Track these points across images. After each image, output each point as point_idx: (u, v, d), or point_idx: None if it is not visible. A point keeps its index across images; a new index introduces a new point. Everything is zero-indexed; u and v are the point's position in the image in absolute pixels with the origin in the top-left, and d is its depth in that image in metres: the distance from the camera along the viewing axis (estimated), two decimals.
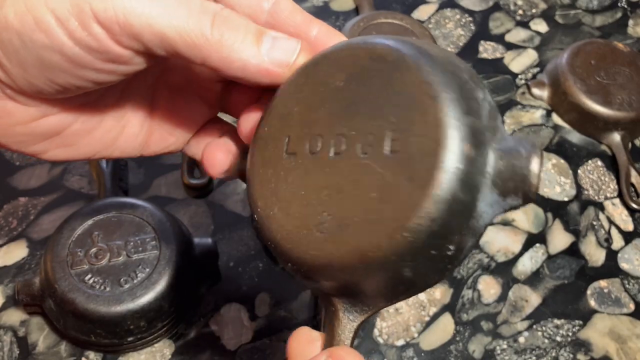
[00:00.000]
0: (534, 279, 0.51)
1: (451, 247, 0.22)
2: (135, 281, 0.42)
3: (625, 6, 0.71)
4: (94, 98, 0.29)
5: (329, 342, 0.25)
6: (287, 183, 0.24)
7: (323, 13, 0.66)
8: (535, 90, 0.62)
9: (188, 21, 0.24)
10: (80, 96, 0.28)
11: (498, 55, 0.64)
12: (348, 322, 0.24)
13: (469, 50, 0.64)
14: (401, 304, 0.48)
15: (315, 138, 0.24)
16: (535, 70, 0.64)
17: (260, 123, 0.26)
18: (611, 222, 0.55)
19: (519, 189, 0.22)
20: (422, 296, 0.49)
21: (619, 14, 0.70)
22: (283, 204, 0.24)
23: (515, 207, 0.22)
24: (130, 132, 0.31)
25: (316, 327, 0.46)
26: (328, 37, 0.27)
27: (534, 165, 0.21)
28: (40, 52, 0.24)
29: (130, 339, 0.43)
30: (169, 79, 0.32)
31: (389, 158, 0.22)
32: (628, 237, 0.54)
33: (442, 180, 0.20)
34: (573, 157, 0.58)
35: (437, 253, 0.22)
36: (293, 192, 0.24)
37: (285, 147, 0.25)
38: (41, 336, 0.45)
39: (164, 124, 0.32)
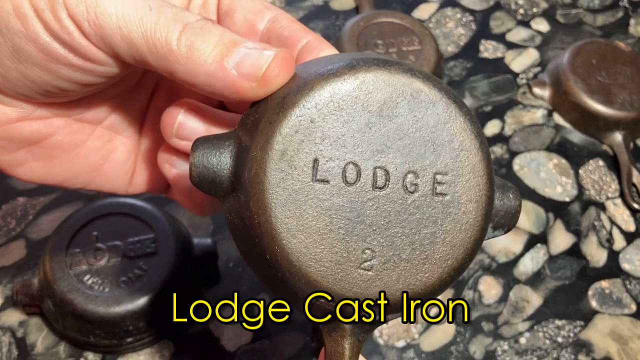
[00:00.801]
0: (535, 280, 0.50)
1: (457, 279, 0.24)
2: (134, 282, 0.42)
3: (627, 5, 0.70)
4: (79, 110, 0.28)
5: None
6: (320, 213, 0.22)
7: (323, 12, 0.66)
8: (536, 90, 0.61)
9: (155, 28, 0.23)
10: (64, 105, 0.27)
11: (499, 54, 0.64)
12: (355, 343, 0.25)
13: (469, 50, 0.64)
14: None
15: (349, 166, 0.23)
16: (536, 69, 0.63)
17: (264, 135, 0.23)
18: (613, 222, 0.54)
19: (506, 225, 0.25)
20: None
21: (620, 14, 0.70)
22: (316, 235, 0.22)
23: (495, 236, 0.26)
24: (117, 158, 0.30)
25: (315, 328, 0.46)
26: (317, 45, 0.26)
27: (519, 205, 0.25)
28: (15, 40, 0.23)
29: (129, 339, 0.43)
30: (158, 104, 0.30)
31: (436, 199, 0.23)
32: (629, 237, 0.54)
33: (482, 224, 0.24)
34: (574, 157, 0.58)
35: (452, 283, 0.24)
36: (327, 225, 0.22)
37: (313, 172, 0.22)
38: (40, 337, 0.45)
39: (148, 155, 0.31)
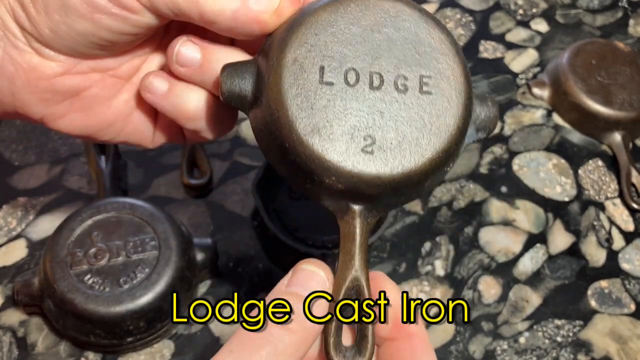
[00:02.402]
0: (534, 279, 0.50)
1: (451, 165, 0.29)
2: (134, 281, 0.42)
3: (626, 6, 0.70)
4: (112, 66, 0.33)
5: (350, 240, 0.29)
6: (327, 109, 0.27)
7: None
8: (536, 90, 0.62)
9: None
10: (99, 60, 0.32)
11: (498, 54, 0.64)
12: (364, 224, 0.29)
13: (469, 50, 0.64)
14: None
15: (350, 71, 0.28)
16: (536, 69, 0.64)
17: (278, 48, 0.28)
18: (612, 222, 0.54)
19: (487, 127, 0.30)
20: (422, 296, 0.49)
21: (619, 14, 0.70)
22: (325, 127, 0.27)
23: (480, 139, 0.30)
24: (144, 109, 0.35)
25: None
26: None
27: (497, 111, 0.30)
28: None
29: (129, 339, 0.43)
30: None
31: (423, 96, 0.28)
32: (629, 237, 0.54)
33: (463, 115, 0.28)
34: (574, 157, 0.58)
35: (446, 169, 0.29)
36: (334, 117, 0.27)
37: (320, 77, 0.27)
38: (40, 336, 0.45)
39: None
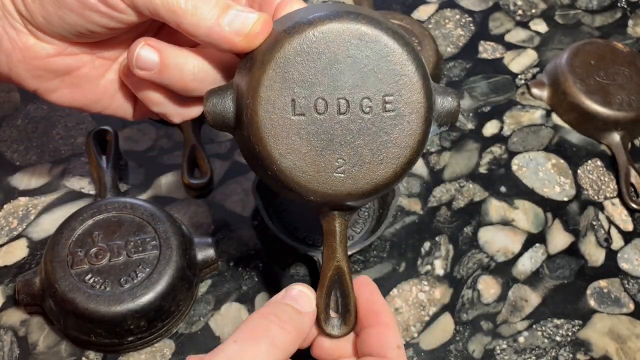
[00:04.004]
0: (533, 279, 0.51)
1: (412, 166, 0.32)
2: (135, 281, 0.42)
3: (625, 6, 0.71)
4: (101, 49, 0.36)
5: (331, 236, 0.34)
6: (301, 138, 0.30)
7: None
8: (535, 91, 0.62)
9: None
10: (90, 45, 0.35)
11: (498, 55, 0.65)
12: (343, 222, 0.34)
13: (468, 51, 0.65)
14: (401, 304, 0.48)
15: (319, 101, 0.30)
16: (535, 70, 0.64)
17: (252, 88, 0.30)
18: (611, 222, 0.55)
19: (448, 122, 0.33)
20: (421, 296, 0.49)
21: (618, 14, 0.70)
22: (301, 155, 0.30)
23: (442, 131, 0.34)
24: (127, 88, 0.37)
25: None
26: (289, 1, 0.33)
27: (458, 105, 0.32)
28: None
29: (130, 338, 0.43)
30: None
31: (386, 114, 0.31)
32: (628, 237, 0.54)
33: (424, 128, 0.31)
34: (573, 157, 0.58)
35: (409, 171, 0.32)
36: (308, 144, 0.30)
37: (292, 109, 0.30)
38: (41, 336, 0.45)
39: None
